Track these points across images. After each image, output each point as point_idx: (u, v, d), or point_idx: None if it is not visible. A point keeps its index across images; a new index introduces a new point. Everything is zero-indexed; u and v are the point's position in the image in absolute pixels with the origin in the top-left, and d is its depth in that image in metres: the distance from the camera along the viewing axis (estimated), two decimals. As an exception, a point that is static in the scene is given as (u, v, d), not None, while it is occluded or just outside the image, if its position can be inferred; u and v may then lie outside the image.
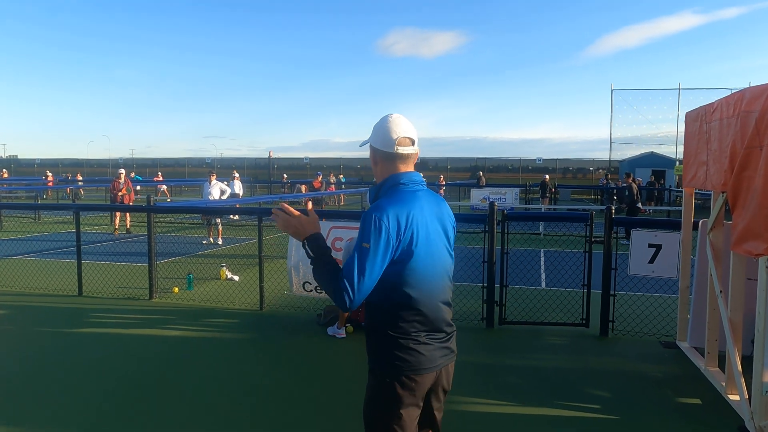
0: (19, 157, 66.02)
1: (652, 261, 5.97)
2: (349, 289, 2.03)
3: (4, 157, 68.10)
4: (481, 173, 31.26)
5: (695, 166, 5.52)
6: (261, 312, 7.13)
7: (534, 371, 5.14)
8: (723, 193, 4.63)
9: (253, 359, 5.43)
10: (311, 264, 2.18)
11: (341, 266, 2.14)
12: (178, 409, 4.30)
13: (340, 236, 6.79)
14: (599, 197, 28.49)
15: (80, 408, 4.30)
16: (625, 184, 14.20)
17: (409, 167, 2.31)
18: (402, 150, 2.26)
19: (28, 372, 5.02)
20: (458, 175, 47.15)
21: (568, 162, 51.02)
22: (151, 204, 7.72)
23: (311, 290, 6.93)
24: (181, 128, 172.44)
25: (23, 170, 55.99)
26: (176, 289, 8.19)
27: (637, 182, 15.10)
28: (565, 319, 6.54)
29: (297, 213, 2.26)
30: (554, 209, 21.67)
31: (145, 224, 7.98)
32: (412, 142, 2.29)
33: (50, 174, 34.43)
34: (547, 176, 25.53)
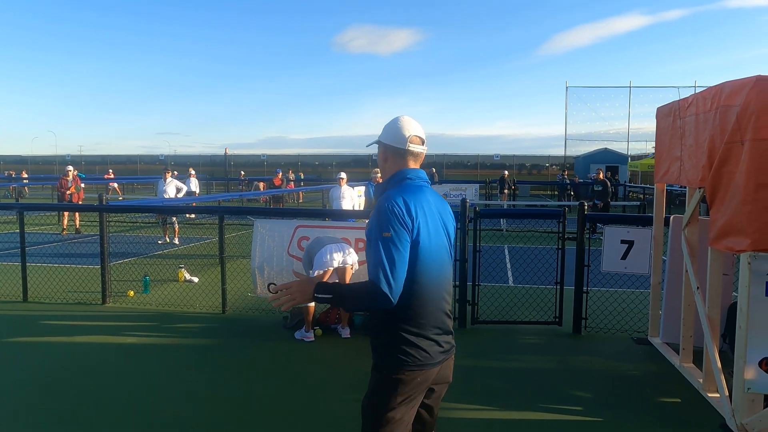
0: (-43, 153, 62.56)
1: (624, 257, 5.94)
2: (385, 282, 2.06)
3: (-59, 153, 64.40)
4: (434, 170, 31.49)
5: (668, 162, 5.49)
6: (224, 315, 6.79)
7: (513, 373, 5.00)
8: (700, 188, 4.59)
9: (216, 368, 5.12)
10: (336, 304, 2.22)
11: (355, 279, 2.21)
12: (137, 426, 3.97)
13: (306, 235, 6.52)
14: (556, 193, 28.86)
15: (24, 427, 3.92)
16: (598, 180, 14.18)
17: (416, 165, 2.40)
18: (413, 147, 2.36)
19: (-32, 388, 4.59)
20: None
21: (525, 158, 51.69)
22: (104, 203, 7.26)
23: (276, 291, 6.63)
24: (133, 125, 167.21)
25: (-39, 168, 53.16)
26: (131, 292, 7.75)
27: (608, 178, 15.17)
28: (537, 317, 6.46)
29: (288, 284, 2.28)
30: (513, 205, 21.91)
31: (95, 224, 7.50)
32: (422, 142, 2.40)
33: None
34: (506, 172, 25.69)
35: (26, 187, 30.88)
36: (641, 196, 29.33)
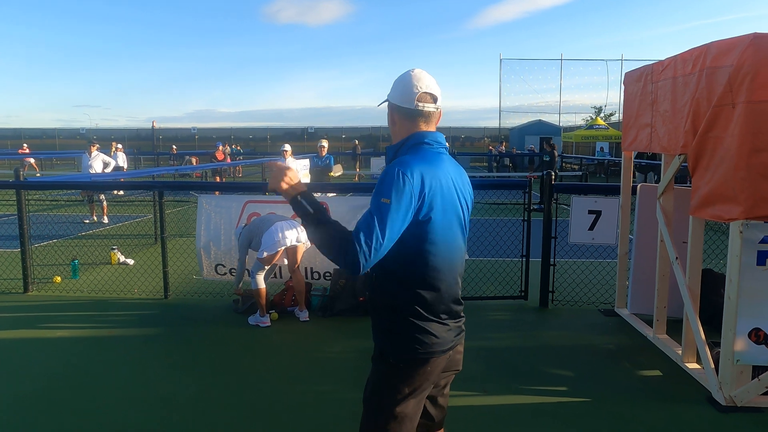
0: None
1: (591, 228, 5.78)
2: (366, 247, 1.80)
3: None
4: (357, 142, 31.31)
5: (635, 129, 5.31)
6: (166, 301, 6.19)
7: (485, 353, 4.74)
8: (680, 155, 4.41)
9: (161, 361, 4.59)
10: (308, 223, 1.93)
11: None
12: (75, 435, 3.43)
13: (257, 211, 6.00)
14: (496, 165, 29.15)
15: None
16: (547, 151, 14.17)
17: (431, 127, 2.11)
18: (423, 107, 2.06)
19: None
20: (353, 144, 46.59)
21: (460, 130, 52.03)
22: (21, 179, 6.42)
23: (225, 273, 6.12)
24: (48, 97, 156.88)
25: None
26: (58, 278, 6.98)
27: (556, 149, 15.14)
28: (502, 292, 6.24)
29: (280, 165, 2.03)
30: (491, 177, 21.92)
31: (9, 203, 6.63)
32: (435, 100, 2.09)
33: None
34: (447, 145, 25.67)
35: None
36: (575, 166, 30.15)
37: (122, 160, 17.08)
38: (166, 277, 6.28)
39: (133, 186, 10.22)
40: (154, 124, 43.62)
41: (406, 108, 2.06)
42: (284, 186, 1.98)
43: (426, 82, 2.06)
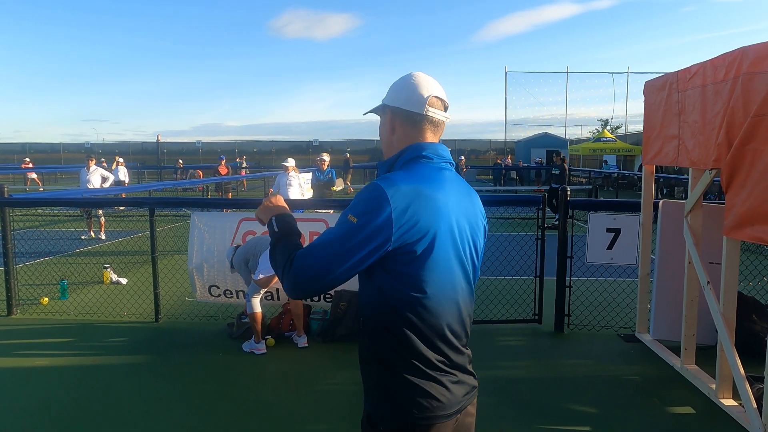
0: None
1: (610, 247, 5.40)
2: (299, 272, 1.50)
3: None
4: (348, 154, 31.12)
5: (660, 141, 4.95)
6: (157, 324, 5.82)
7: (498, 384, 4.35)
8: (712, 170, 4.04)
9: (150, 392, 4.21)
10: (271, 242, 1.68)
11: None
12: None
13: (253, 230, 5.65)
14: (502, 178, 28.79)
15: None
16: (556, 164, 13.73)
17: (436, 138, 1.74)
18: (433, 114, 1.70)
19: None
20: (360, 158, 46.41)
21: (465, 143, 51.77)
22: (5, 195, 6.10)
23: (219, 295, 5.75)
24: (56, 111, 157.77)
25: None
26: (45, 299, 6.63)
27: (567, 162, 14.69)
28: (514, 315, 5.85)
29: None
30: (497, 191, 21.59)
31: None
32: (445, 108, 1.76)
33: None
34: (463, 157, 25.03)
35: (-68, 179, 28.07)
36: (582, 179, 29.75)
37: (123, 174, 16.83)
38: (158, 299, 5.92)
39: (124, 203, 9.88)
40: (159, 138, 43.47)
41: (414, 113, 1.68)
42: (261, 208, 1.78)
43: (435, 85, 1.72)
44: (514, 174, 29.00)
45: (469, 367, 1.72)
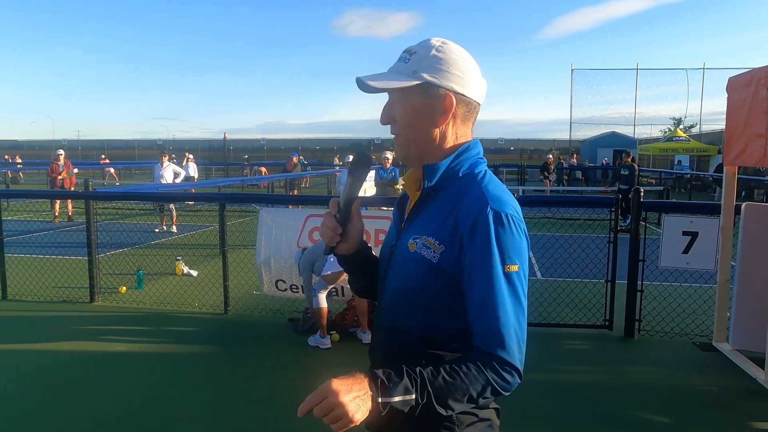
0: (-50, 138, 61.45)
1: (686, 251, 5.16)
2: (518, 352, 1.24)
3: (-64, 138, 63.32)
4: (385, 152, 30.67)
5: (744, 141, 4.69)
6: (226, 316, 6.02)
7: (562, 388, 4.25)
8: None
9: (217, 381, 4.37)
10: (436, 404, 1.18)
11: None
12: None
13: (318, 226, 5.74)
14: (567, 177, 28.04)
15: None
16: (625, 164, 13.21)
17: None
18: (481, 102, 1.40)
19: None
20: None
21: (530, 142, 50.78)
22: (90, 189, 6.46)
23: (285, 289, 5.89)
24: (130, 109, 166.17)
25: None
26: (123, 288, 6.98)
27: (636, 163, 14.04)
28: (583, 319, 5.69)
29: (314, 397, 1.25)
30: (560, 191, 20.96)
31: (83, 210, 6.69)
32: None
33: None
34: (551, 155, 23.30)
35: (21, 173, 30.04)
36: (652, 180, 28.59)
37: (193, 170, 17.49)
38: (227, 291, 6.12)
39: (196, 198, 10.25)
40: (226, 135, 44.92)
41: (474, 102, 1.36)
42: (345, 420, 1.18)
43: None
44: (579, 174, 28.20)
45: None
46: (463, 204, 1.27)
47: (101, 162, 31.37)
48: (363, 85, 1.32)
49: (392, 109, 1.37)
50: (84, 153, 49.82)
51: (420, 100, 1.32)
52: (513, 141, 49.33)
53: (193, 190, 13.73)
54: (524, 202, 5.63)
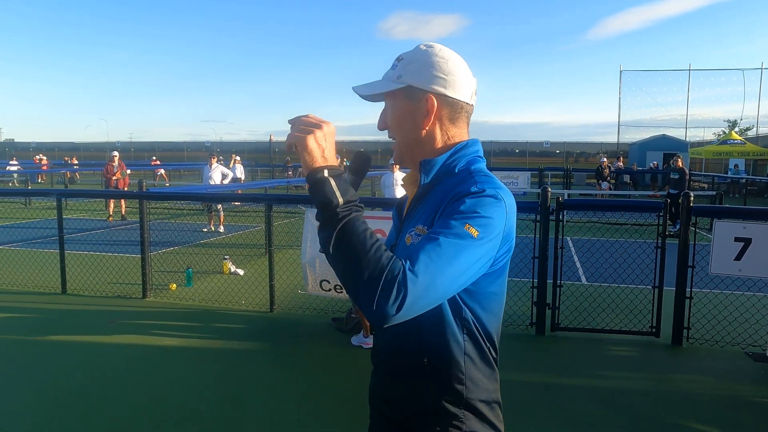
0: (15, 140, 64.61)
1: (738, 258, 5.02)
2: (411, 287, 1.09)
3: (0, 140, 66.77)
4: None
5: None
6: (271, 314, 6.17)
7: (605, 395, 4.19)
8: None
9: (263, 378, 4.49)
10: (328, 221, 1.15)
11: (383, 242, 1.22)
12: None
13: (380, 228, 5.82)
14: (614, 182, 27.39)
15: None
16: (676, 168, 12.85)
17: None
18: (473, 103, 1.43)
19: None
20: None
21: (576, 145, 49.83)
22: (144, 189, 6.73)
23: (330, 289, 5.96)
24: (179, 112, 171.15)
25: (20, 154, 54.76)
26: (173, 285, 7.24)
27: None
28: (628, 325, 5.59)
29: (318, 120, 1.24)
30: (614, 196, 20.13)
31: (135, 210, 6.98)
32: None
33: (44, 158, 33.35)
34: (605, 159, 21.93)
35: (77, 173, 31.33)
36: (704, 185, 27.64)
37: (240, 171, 17.89)
38: (273, 290, 6.27)
39: (244, 198, 10.52)
40: (272, 137, 45.71)
41: (459, 102, 1.39)
42: (307, 138, 1.19)
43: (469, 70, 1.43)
44: (627, 178, 27.51)
45: None
46: (452, 192, 1.31)
47: (152, 163, 32.40)
48: (359, 93, 1.41)
49: (386, 115, 1.44)
50: (136, 155, 51.48)
51: (405, 104, 1.39)
52: (558, 144, 48.50)
53: (239, 191, 14.07)
54: (569, 206, 5.57)
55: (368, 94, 1.41)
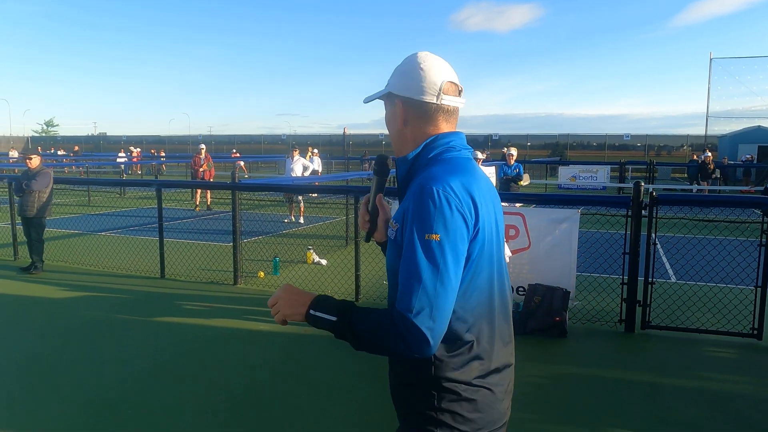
0: (108, 134, 68.90)
1: None
2: (425, 316, 1.29)
3: (95, 134, 71.35)
4: (509, 148, 29.52)
5: None
6: (357, 303, 6.32)
7: (708, 396, 4.05)
8: None
9: (350, 364, 4.63)
10: (343, 334, 1.42)
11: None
12: (263, 422, 3.56)
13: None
14: (699, 175, 25.98)
15: (146, 415, 3.64)
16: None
17: (452, 127, 1.57)
18: (448, 101, 1.52)
19: (100, 366, 4.44)
20: (538, 152, 45.10)
21: (658, 138, 47.56)
22: (236, 181, 7.05)
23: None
24: (256, 106, 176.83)
25: (111, 147, 58.29)
26: (262, 273, 7.55)
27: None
28: (727, 327, 5.35)
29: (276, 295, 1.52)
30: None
31: (225, 201, 7.32)
32: (460, 92, 1.56)
33: (135, 150, 35.39)
34: (709, 153, 20.14)
35: (164, 165, 33.05)
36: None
37: (317, 164, 18.30)
38: (358, 280, 6.43)
39: (330, 190, 10.76)
40: (345, 130, 46.46)
41: (426, 103, 1.51)
42: (286, 313, 1.47)
43: (446, 68, 1.54)
44: (717, 172, 26.00)
45: (512, 360, 1.59)
46: (412, 185, 1.46)
47: (232, 156, 33.65)
48: (364, 101, 1.65)
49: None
50: (216, 147, 53.56)
51: (388, 109, 1.60)
52: (640, 137, 46.46)
53: (316, 183, 14.44)
54: (664, 201, 5.37)
55: (368, 100, 1.64)
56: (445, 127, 1.54)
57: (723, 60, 40.20)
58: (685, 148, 42.58)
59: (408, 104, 1.53)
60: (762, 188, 12.60)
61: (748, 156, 28.92)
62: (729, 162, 27.44)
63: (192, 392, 4.09)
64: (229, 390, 4.12)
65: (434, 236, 1.33)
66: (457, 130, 1.57)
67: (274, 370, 4.53)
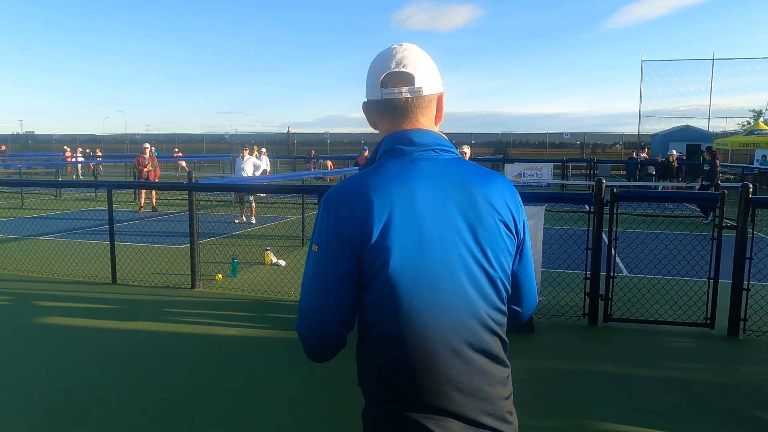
0: (36, 132, 65.46)
1: (799, 249, 4.98)
2: (300, 317, 1.37)
3: (21, 132, 67.72)
4: (461, 146, 30.10)
5: None
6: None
7: (673, 384, 4.21)
8: None
9: (324, 367, 4.54)
10: None
11: None
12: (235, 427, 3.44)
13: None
14: (639, 173, 27.14)
15: (121, 426, 3.46)
16: (706, 159, 12.72)
17: (412, 123, 1.38)
18: (387, 94, 1.37)
19: (51, 376, 4.19)
20: (482, 151, 45.94)
21: (596, 137, 49.36)
22: (193, 181, 6.81)
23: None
24: (196, 104, 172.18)
25: (41, 146, 55.45)
26: (219, 275, 7.33)
27: (718, 159, 12.98)
28: (682, 317, 5.58)
29: None
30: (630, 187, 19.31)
31: (171, 202, 7.06)
32: (409, 81, 1.36)
33: (68, 149, 33.77)
34: (675, 151, 20.23)
35: (101, 165, 31.68)
36: (730, 176, 27.24)
37: (266, 163, 18.00)
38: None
39: (289, 189, 10.52)
40: (290, 129, 45.90)
41: (374, 101, 1.41)
42: None
43: (399, 57, 1.36)
44: (652, 169, 27.21)
45: (472, 417, 1.33)
46: None
47: (174, 155, 32.64)
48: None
49: None
50: (156, 147, 51.70)
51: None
52: (578, 135, 48.10)
53: (264, 183, 14.18)
54: (624, 197, 5.55)
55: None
56: (401, 124, 1.38)
57: (653, 62, 42.22)
58: (617, 146, 44.39)
59: (366, 107, 1.46)
60: (697, 185, 13.23)
61: (673, 152, 30.43)
62: (662, 159, 28.72)
63: (155, 398, 3.91)
64: (195, 396, 3.96)
65: (314, 247, 1.32)
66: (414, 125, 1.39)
67: (245, 374, 4.38)
